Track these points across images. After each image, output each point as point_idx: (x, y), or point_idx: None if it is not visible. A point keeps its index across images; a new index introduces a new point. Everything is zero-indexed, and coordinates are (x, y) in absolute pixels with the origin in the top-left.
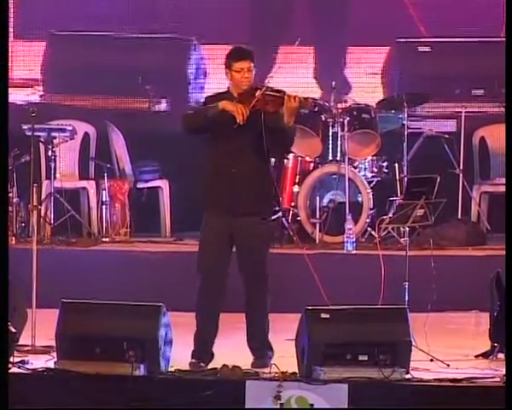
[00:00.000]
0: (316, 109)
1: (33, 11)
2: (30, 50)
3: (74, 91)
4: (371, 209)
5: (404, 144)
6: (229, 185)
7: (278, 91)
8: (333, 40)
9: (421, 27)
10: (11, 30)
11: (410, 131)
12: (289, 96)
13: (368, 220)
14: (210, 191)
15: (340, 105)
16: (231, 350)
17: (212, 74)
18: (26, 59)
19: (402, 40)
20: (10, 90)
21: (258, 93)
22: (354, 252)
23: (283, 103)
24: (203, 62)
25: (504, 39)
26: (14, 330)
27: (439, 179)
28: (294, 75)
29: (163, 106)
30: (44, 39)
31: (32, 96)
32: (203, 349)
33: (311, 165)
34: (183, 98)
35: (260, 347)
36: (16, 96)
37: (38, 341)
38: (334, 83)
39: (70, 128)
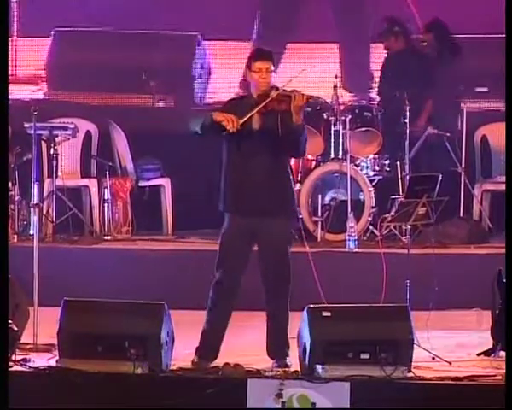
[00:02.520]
0: (318, 108)
1: (37, 8)
2: (34, 47)
3: (78, 88)
4: (373, 207)
5: (406, 143)
6: (248, 186)
7: (293, 91)
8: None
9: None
10: (15, 27)
11: (411, 129)
12: (295, 95)
13: (370, 219)
14: (230, 192)
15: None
16: (233, 349)
17: (217, 71)
18: (31, 56)
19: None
20: (14, 88)
21: (272, 93)
22: (356, 250)
23: None
24: (208, 59)
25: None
26: (15, 328)
27: (440, 178)
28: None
29: (167, 103)
30: (48, 36)
31: (36, 93)
32: (209, 347)
33: (313, 163)
34: (188, 95)
35: (282, 347)
36: (20, 93)
37: (40, 339)
38: (336, 81)
39: (72, 126)
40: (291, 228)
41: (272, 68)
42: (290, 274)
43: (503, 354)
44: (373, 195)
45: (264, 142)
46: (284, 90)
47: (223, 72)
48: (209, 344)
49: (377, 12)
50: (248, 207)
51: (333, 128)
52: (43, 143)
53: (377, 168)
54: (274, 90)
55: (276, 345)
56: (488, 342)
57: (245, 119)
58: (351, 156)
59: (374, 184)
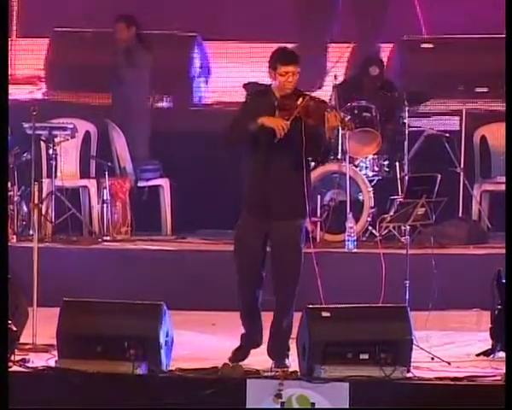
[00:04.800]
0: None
1: (36, 9)
2: (33, 48)
3: (76, 89)
4: (372, 208)
5: (405, 143)
6: (266, 189)
7: (320, 101)
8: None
9: (422, 26)
10: (14, 27)
11: (411, 129)
12: (329, 114)
13: (369, 219)
14: (249, 193)
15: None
16: (233, 348)
17: (216, 71)
18: (29, 56)
19: (405, 37)
20: (13, 88)
21: (300, 101)
22: (355, 251)
23: (324, 116)
24: (207, 59)
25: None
26: (15, 328)
27: (439, 178)
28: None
29: (165, 103)
30: (47, 37)
31: (35, 93)
32: (250, 336)
33: (312, 163)
34: (186, 95)
35: (282, 348)
36: (19, 93)
37: (39, 339)
38: (335, 81)
39: (71, 127)
40: (302, 231)
41: (298, 70)
42: (298, 276)
43: (502, 354)
44: (372, 195)
45: (287, 146)
46: (311, 98)
47: (222, 72)
48: (245, 346)
49: (386, 12)
50: (264, 210)
51: None
52: (42, 143)
53: (376, 169)
54: (301, 97)
55: (278, 346)
56: (487, 343)
57: (291, 119)
58: (350, 157)
59: (373, 184)
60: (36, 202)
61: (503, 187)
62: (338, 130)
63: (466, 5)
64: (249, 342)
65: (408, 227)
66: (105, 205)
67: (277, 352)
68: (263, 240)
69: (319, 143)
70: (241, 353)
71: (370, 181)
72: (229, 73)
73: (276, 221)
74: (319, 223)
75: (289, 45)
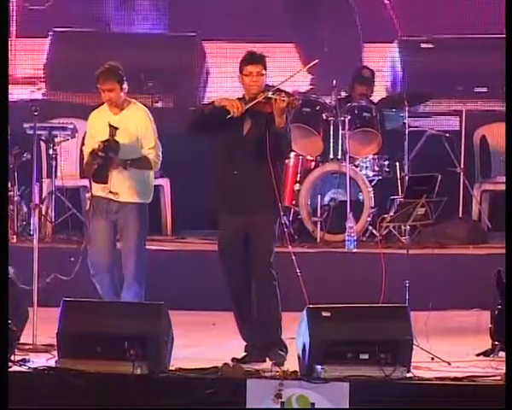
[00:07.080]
0: (317, 108)
1: (36, 9)
2: (33, 48)
3: (77, 89)
4: (372, 208)
5: (405, 143)
6: (235, 187)
7: (276, 90)
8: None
9: (396, 27)
10: (14, 28)
11: (411, 129)
12: (275, 98)
13: (369, 219)
14: (221, 194)
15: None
16: (233, 349)
17: (215, 71)
18: (29, 56)
19: (404, 37)
20: (13, 88)
21: (260, 95)
22: (355, 251)
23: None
24: (206, 59)
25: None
26: (15, 328)
27: (440, 178)
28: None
29: (165, 103)
30: (47, 37)
31: (35, 93)
32: (250, 346)
33: (312, 163)
34: (186, 95)
35: (273, 342)
36: (19, 93)
37: (39, 339)
38: (334, 82)
39: (71, 127)
40: (273, 226)
41: (264, 72)
42: (268, 270)
43: (502, 354)
44: (372, 195)
45: (252, 143)
46: (273, 92)
47: (221, 72)
48: (249, 345)
49: (358, 17)
50: (237, 207)
51: (332, 128)
52: (42, 143)
53: (376, 169)
54: (265, 92)
55: (268, 342)
56: (487, 343)
57: (249, 105)
58: (350, 157)
59: (373, 184)
60: (36, 202)
61: (503, 187)
62: (338, 130)
63: (467, 3)
64: (253, 353)
65: (408, 227)
66: None
67: (270, 347)
68: (243, 238)
69: (279, 134)
70: (242, 361)
71: (370, 181)
72: (229, 73)
73: (249, 217)
74: (319, 223)
75: (289, 45)
